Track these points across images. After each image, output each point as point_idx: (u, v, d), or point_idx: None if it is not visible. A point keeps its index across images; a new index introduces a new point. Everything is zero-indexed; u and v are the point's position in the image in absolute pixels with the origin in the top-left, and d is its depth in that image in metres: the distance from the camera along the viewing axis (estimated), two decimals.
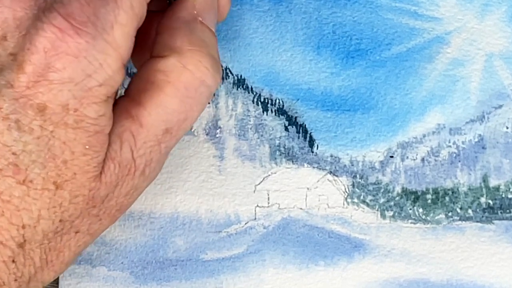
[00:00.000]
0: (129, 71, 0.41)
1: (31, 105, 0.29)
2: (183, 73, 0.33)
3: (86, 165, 0.31)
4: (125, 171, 0.33)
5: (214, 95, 0.41)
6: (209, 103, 0.41)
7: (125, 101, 0.33)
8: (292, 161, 0.41)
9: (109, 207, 0.33)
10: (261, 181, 0.41)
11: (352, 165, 0.41)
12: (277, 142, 0.41)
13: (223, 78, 0.41)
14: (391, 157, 0.41)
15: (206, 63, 0.33)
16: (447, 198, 0.41)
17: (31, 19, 0.30)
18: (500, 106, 0.41)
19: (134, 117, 0.32)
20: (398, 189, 0.41)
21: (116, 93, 0.32)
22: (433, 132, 0.41)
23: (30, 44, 0.29)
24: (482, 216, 0.41)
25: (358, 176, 0.41)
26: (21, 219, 0.30)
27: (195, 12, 0.34)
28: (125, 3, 0.31)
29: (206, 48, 0.33)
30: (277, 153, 0.41)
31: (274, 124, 0.41)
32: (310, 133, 0.41)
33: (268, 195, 0.41)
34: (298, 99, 0.41)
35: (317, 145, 0.41)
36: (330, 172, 0.41)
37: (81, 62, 0.30)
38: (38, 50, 0.29)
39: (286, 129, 0.41)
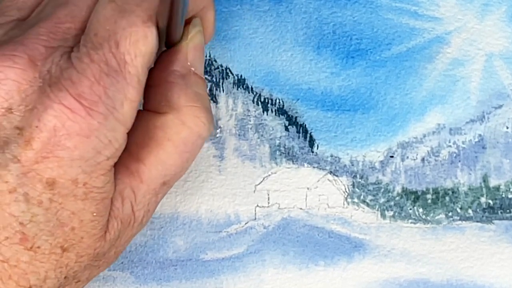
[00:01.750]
0: None
1: (40, 180, 0.29)
2: (182, 130, 0.33)
3: (92, 229, 0.31)
4: (125, 225, 0.33)
5: (214, 96, 0.41)
6: None
7: (124, 156, 0.33)
8: (292, 161, 0.41)
9: (109, 257, 0.34)
10: (261, 181, 0.41)
11: (352, 165, 0.41)
12: (277, 142, 0.41)
13: (223, 78, 0.41)
14: (391, 157, 0.41)
15: (203, 118, 0.33)
16: (447, 198, 0.41)
17: (37, 93, 0.29)
18: (500, 106, 0.41)
19: (135, 174, 0.33)
20: (398, 189, 0.41)
21: None
22: (433, 132, 0.41)
23: (39, 122, 0.29)
24: (482, 216, 0.41)
25: (358, 176, 0.41)
26: (28, 281, 0.31)
27: (189, 63, 0.34)
28: (133, 79, 0.30)
29: (201, 102, 0.33)
30: (277, 153, 0.41)
31: (274, 124, 0.41)
32: (310, 133, 0.41)
33: (268, 195, 0.41)
34: (298, 99, 0.41)
35: (317, 145, 0.41)
36: (330, 172, 0.41)
37: (92, 141, 0.30)
38: (47, 128, 0.29)
39: (286, 129, 0.41)
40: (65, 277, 0.32)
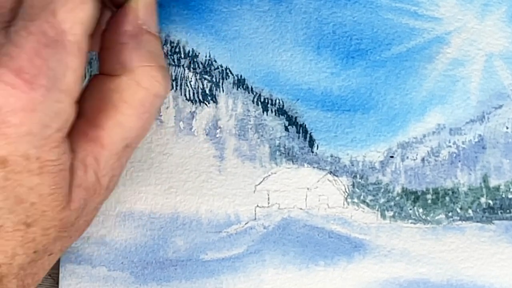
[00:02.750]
0: None
1: None
2: (138, 91, 0.33)
3: (53, 202, 0.31)
4: (91, 193, 0.33)
5: (214, 96, 0.41)
6: (208, 103, 0.41)
7: (82, 123, 0.32)
8: (292, 161, 0.41)
9: (79, 225, 0.34)
10: (261, 181, 0.41)
11: (352, 165, 0.41)
12: (277, 142, 0.41)
13: (223, 78, 0.41)
14: (391, 157, 0.41)
15: (158, 77, 0.33)
16: (447, 198, 0.41)
17: None
18: (500, 106, 0.41)
19: (95, 140, 0.32)
20: (398, 189, 0.41)
21: None
22: (433, 132, 0.41)
23: None
24: (482, 216, 0.41)
25: (358, 176, 0.41)
26: None
27: (140, 22, 0.33)
28: (73, 47, 0.30)
29: (155, 60, 0.33)
30: (277, 153, 0.41)
31: (274, 124, 0.41)
32: (310, 133, 0.41)
33: (268, 195, 0.41)
34: (298, 99, 0.41)
35: (317, 145, 0.41)
36: (330, 172, 0.41)
37: (38, 114, 0.29)
38: None
39: (286, 129, 0.41)
40: (34, 252, 0.32)
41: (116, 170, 0.34)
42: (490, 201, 0.41)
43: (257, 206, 0.41)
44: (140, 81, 0.33)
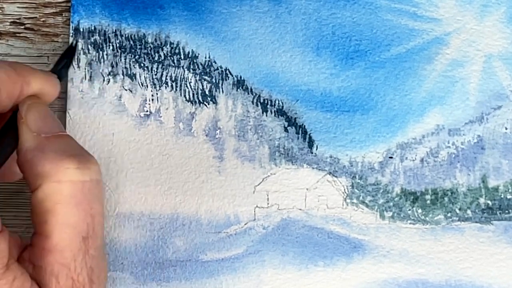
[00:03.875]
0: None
1: None
2: (62, 188, 0.33)
3: None
4: None
5: (214, 97, 0.41)
6: (208, 104, 0.41)
7: (37, 241, 0.34)
8: (292, 162, 0.41)
9: None
10: (261, 182, 0.41)
11: (352, 165, 0.41)
12: (277, 143, 0.41)
13: (223, 79, 0.41)
14: (391, 157, 0.41)
15: (70, 164, 0.33)
16: (446, 199, 0.41)
17: None
18: (499, 107, 0.41)
19: (51, 249, 0.33)
20: (397, 189, 0.41)
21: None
22: (432, 133, 0.41)
23: None
24: (481, 217, 0.41)
25: (357, 176, 0.41)
26: None
27: (35, 133, 0.35)
28: None
29: (62, 153, 0.34)
30: (277, 154, 0.41)
31: (274, 125, 0.41)
32: (310, 134, 0.41)
33: (268, 195, 0.41)
34: (297, 100, 0.41)
35: (317, 146, 0.41)
36: (330, 173, 0.41)
37: None
38: None
39: (286, 130, 0.41)
40: None
41: (90, 263, 0.34)
42: (489, 202, 0.41)
43: (257, 206, 0.41)
44: (59, 178, 0.33)
